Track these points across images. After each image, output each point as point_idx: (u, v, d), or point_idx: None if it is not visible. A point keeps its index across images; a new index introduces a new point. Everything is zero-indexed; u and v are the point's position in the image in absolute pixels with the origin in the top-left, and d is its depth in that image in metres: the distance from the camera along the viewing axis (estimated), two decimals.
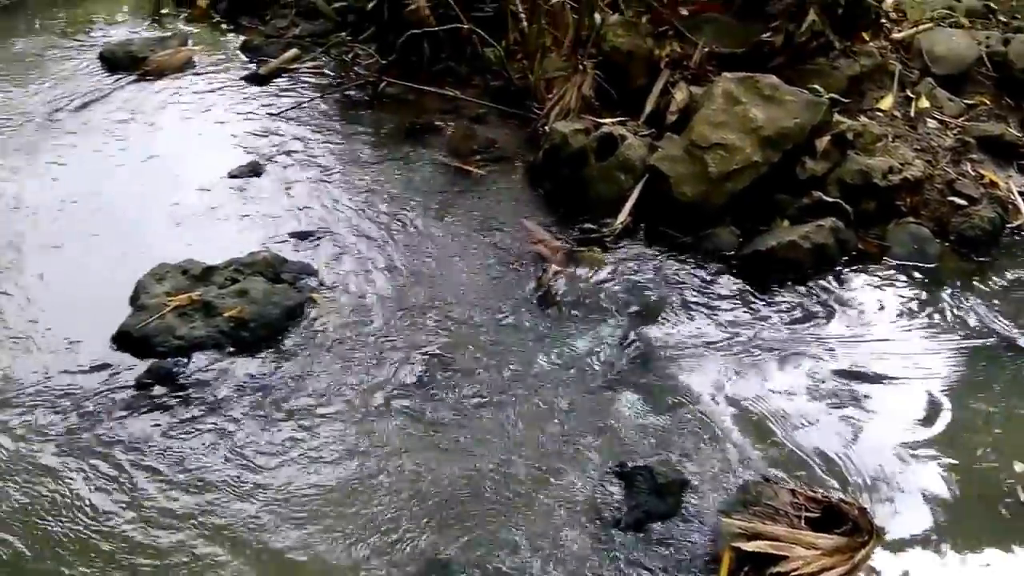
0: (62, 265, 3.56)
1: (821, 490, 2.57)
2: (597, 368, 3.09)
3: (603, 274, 3.55)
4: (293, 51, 5.13)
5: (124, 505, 2.53)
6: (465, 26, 4.60)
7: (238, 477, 2.63)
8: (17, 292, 3.39)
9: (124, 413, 2.86)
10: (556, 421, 2.86)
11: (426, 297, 3.40)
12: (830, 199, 3.77)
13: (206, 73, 4.99)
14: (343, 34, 5.17)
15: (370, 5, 4.89)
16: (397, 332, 3.23)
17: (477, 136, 4.43)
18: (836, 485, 2.65)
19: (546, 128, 4.18)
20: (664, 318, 3.35)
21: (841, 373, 3.11)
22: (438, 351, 3.14)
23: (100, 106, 4.66)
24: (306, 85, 4.90)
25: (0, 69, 5.04)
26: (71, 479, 2.62)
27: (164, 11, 5.72)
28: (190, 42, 5.26)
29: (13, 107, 4.65)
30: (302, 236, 3.74)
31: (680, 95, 4.20)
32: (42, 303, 3.35)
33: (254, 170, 4.15)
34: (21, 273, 3.49)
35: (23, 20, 5.68)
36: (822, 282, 3.56)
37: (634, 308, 3.39)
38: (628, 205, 3.81)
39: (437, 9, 4.69)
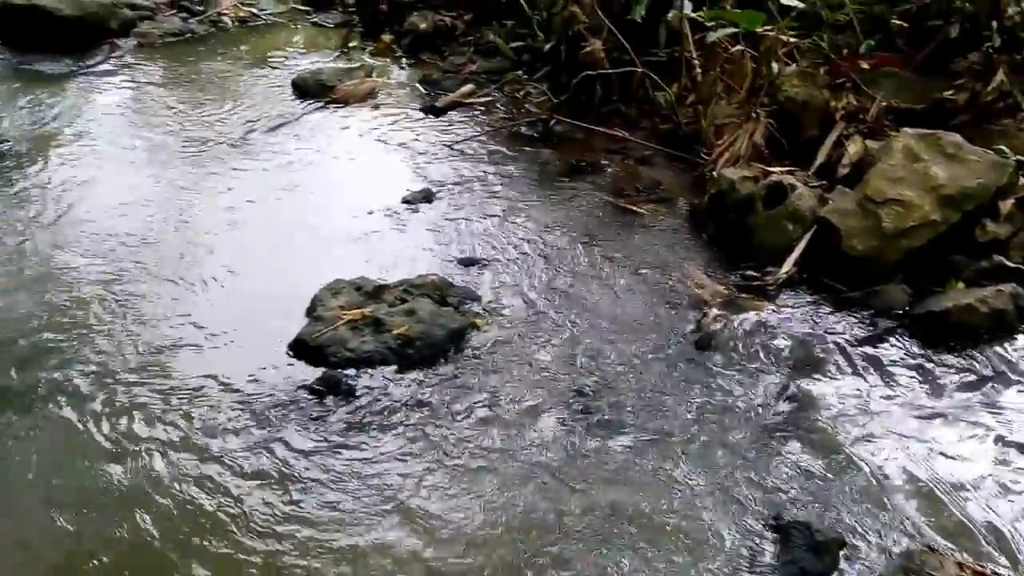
0: (246, 274, 3.80)
1: (990, 566, 2.44)
2: (754, 417, 3.05)
3: (764, 323, 3.50)
4: (469, 86, 5.33)
5: (287, 504, 2.67)
6: (639, 70, 4.66)
7: (395, 486, 2.74)
8: (205, 294, 3.65)
9: (296, 417, 3.03)
10: (710, 467, 2.83)
11: (584, 331, 3.44)
12: (1012, 264, 3.60)
13: (387, 103, 5.24)
14: (518, 72, 5.32)
15: (547, 47, 5.05)
16: (554, 363, 3.27)
17: (642, 177, 4.49)
18: (1006, 562, 2.51)
19: (714, 173, 4.18)
20: (827, 373, 3.27)
21: (1016, 445, 2.94)
22: (592, 386, 3.16)
23: (290, 129, 4.97)
24: (480, 119, 5.07)
25: (201, 92, 5.45)
26: (240, 475, 2.78)
27: (351, 44, 6.04)
28: (374, 74, 5.53)
29: (211, 126, 5.02)
30: (468, 263, 3.86)
31: (854, 148, 4.13)
32: (227, 306, 3.60)
33: (427, 197, 4.32)
34: (209, 277, 3.75)
35: (222, 47, 6.10)
36: (998, 349, 3.38)
37: (795, 360, 3.32)
38: (794, 255, 3.75)
39: (612, 52, 4.78)
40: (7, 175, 4.51)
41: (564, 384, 3.18)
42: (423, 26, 5.96)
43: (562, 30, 4.92)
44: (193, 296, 3.64)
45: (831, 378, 3.24)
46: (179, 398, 3.10)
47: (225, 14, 6.38)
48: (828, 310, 3.59)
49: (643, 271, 3.82)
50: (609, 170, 4.59)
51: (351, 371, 3.21)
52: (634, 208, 4.25)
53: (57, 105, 5.23)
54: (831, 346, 3.40)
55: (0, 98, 5.29)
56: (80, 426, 2.96)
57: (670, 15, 4.62)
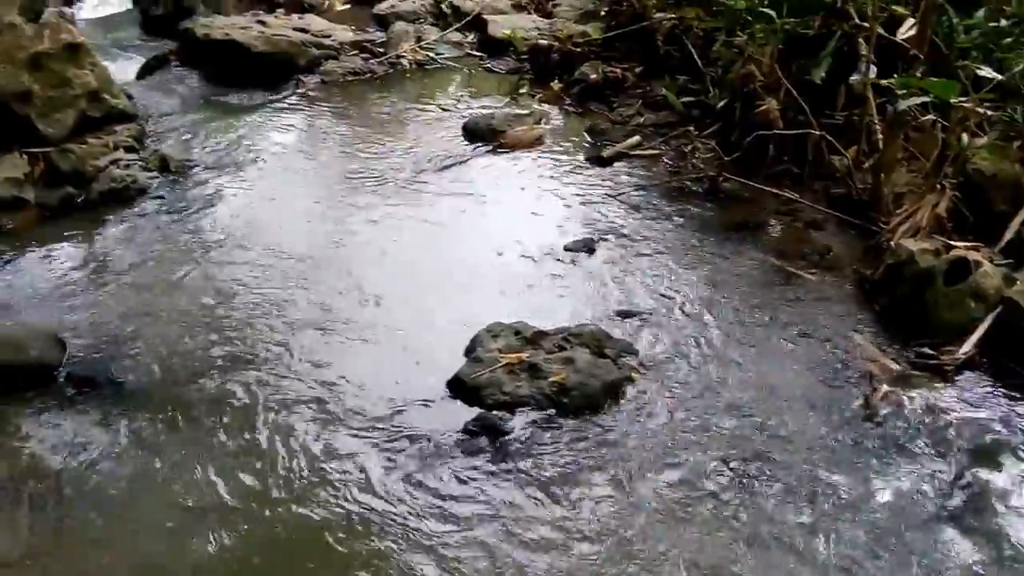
0: (408, 308, 3.92)
1: None
2: (924, 504, 2.89)
3: (939, 404, 3.33)
4: (636, 138, 5.35)
5: (430, 540, 2.72)
6: (815, 132, 4.57)
7: (543, 531, 2.74)
8: (367, 324, 3.79)
9: (449, 454, 3.09)
10: (873, 553, 2.70)
11: (740, 397, 3.36)
12: None
13: (554, 151, 5.32)
14: (687, 127, 5.31)
15: (720, 103, 5.02)
16: (707, 428, 3.21)
17: (811, 240, 4.38)
18: None
19: (890, 243, 4.03)
20: (1006, 463, 3.07)
21: None
22: (746, 457, 3.08)
23: (459, 170, 5.12)
24: (645, 171, 5.08)
25: (377, 128, 5.70)
26: (392, 504, 2.87)
27: (521, 91, 6.19)
28: (543, 121, 5.63)
29: (384, 162, 5.23)
30: (627, 315, 3.85)
31: None
32: (388, 339, 3.72)
33: (588, 246, 4.36)
34: (372, 309, 3.90)
35: (399, 88, 6.37)
36: None
37: (971, 446, 3.13)
38: (975, 336, 3.56)
39: (787, 112, 4.71)
40: (193, 196, 4.84)
41: (717, 450, 3.11)
42: (593, 76, 6.04)
43: (737, 87, 4.89)
44: (355, 325, 3.79)
45: (1010, 469, 3.04)
46: (332, 426, 3.22)
47: (404, 56, 6.66)
48: (1011, 396, 3.38)
49: (807, 339, 3.71)
50: (776, 231, 4.50)
51: (506, 414, 3.25)
52: (801, 272, 4.15)
53: (244, 134, 5.58)
54: (1012, 435, 3.19)
55: (195, 125, 5.69)
56: (234, 445, 3.13)
57: (853, 79, 4.52)
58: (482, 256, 4.30)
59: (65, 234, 4.48)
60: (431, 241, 4.45)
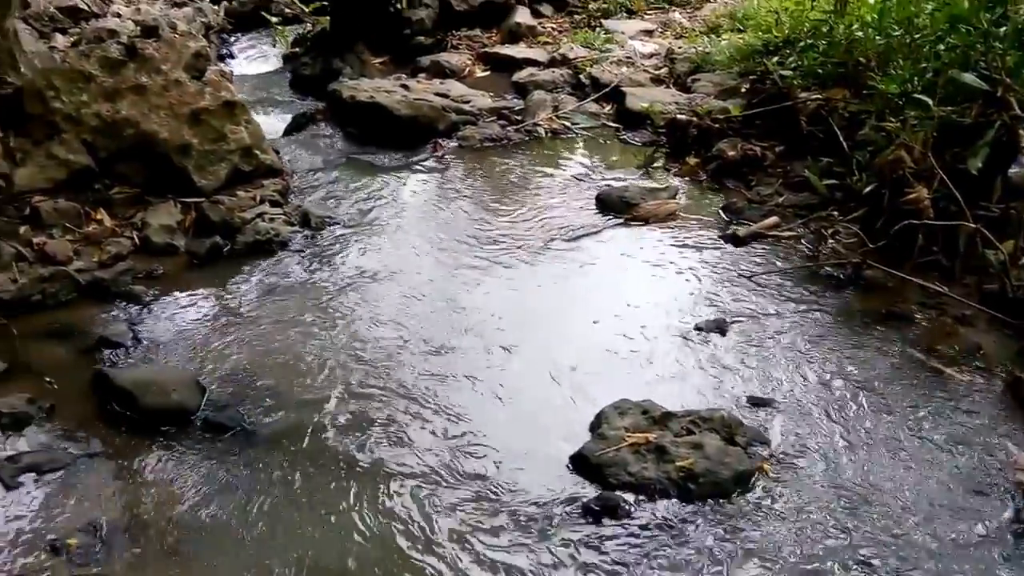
0: (533, 378, 3.95)
1: None
2: None
3: None
4: (773, 218, 5.28)
5: None
6: (969, 224, 4.42)
7: None
8: (492, 391, 3.84)
9: (569, 532, 3.07)
10: None
11: (876, 500, 3.22)
12: None
13: (688, 227, 5.30)
14: (828, 210, 5.22)
15: (866, 189, 4.92)
16: (840, 531, 3.08)
17: (959, 337, 4.19)
18: None
19: None
20: None
21: None
22: (883, 563, 2.94)
23: (590, 241, 5.16)
24: (782, 253, 5.00)
25: (510, 195, 5.81)
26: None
27: (656, 164, 6.21)
28: (678, 196, 5.63)
29: (516, 229, 5.32)
30: (758, 403, 3.77)
31: None
32: (511, 408, 3.76)
33: (719, 327, 4.30)
34: (497, 375, 3.95)
35: (534, 155, 6.48)
36: None
37: None
38: None
39: (938, 201, 4.57)
40: (331, 251, 5.04)
41: (850, 554, 2.98)
42: (731, 153, 6.02)
43: (886, 173, 4.77)
44: (480, 390, 3.84)
45: None
46: (452, 489, 3.27)
47: (540, 125, 6.79)
48: None
49: (953, 443, 3.53)
50: (922, 325, 4.33)
51: (629, 495, 3.21)
52: (947, 370, 3.97)
53: (383, 194, 5.79)
54: None
55: (337, 182, 5.94)
56: (354, 501, 3.21)
57: (1012, 171, 4.36)
58: (610, 329, 4.29)
59: (211, 281, 4.73)
60: (559, 311, 4.49)
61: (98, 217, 5.02)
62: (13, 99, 5.18)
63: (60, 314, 4.40)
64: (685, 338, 4.23)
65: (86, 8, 10.52)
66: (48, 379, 3.88)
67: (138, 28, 7.07)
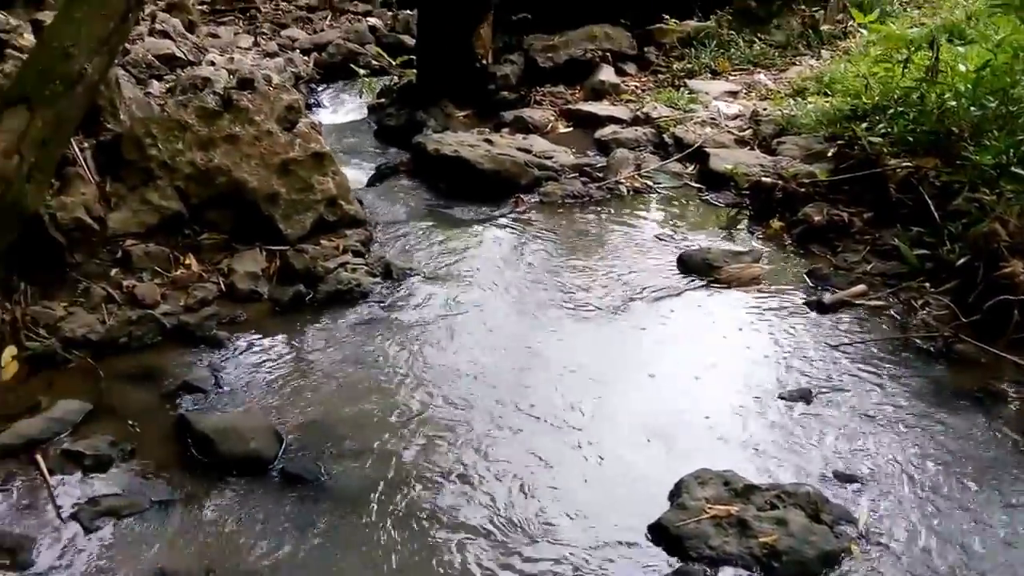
0: (609, 442, 3.90)
1: None
2: None
3: None
4: (861, 287, 5.17)
5: None
6: None
7: None
8: (566, 453, 3.80)
9: None
10: None
11: None
12: None
13: (771, 292, 5.22)
14: (918, 280, 5.09)
15: (959, 261, 4.80)
16: None
17: None
18: None
19: None
20: None
21: None
22: None
23: (671, 302, 5.12)
24: (869, 323, 4.88)
25: (589, 252, 5.80)
26: None
27: (740, 227, 6.16)
28: (762, 260, 5.56)
29: (595, 288, 5.31)
30: (845, 479, 3.66)
31: None
32: (587, 473, 3.71)
33: (804, 397, 4.21)
34: (572, 438, 3.91)
35: (615, 213, 6.48)
36: None
37: None
38: None
39: None
40: (410, 303, 5.10)
41: None
42: (817, 218, 5.93)
43: (980, 246, 4.65)
44: (555, 450, 3.81)
45: None
46: (527, 555, 3.24)
47: (622, 183, 6.81)
48: None
49: None
50: (1017, 405, 4.17)
51: (709, 570, 3.14)
52: None
53: (463, 247, 5.85)
54: None
55: (418, 234, 6.02)
56: (423, 562, 3.20)
57: None
58: (690, 395, 4.24)
59: (292, 329, 4.81)
60: (639, 372, 4.45)
61: (186, 262, 5.17)
62: (112, 145, 5.40)
63: (145, 357, 4.52)
64: (768, 406, 4.15)
65: (182, 56, 10.99)
66: (131, 422, 3.97)
67: (233, 79, 7.35)
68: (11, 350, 4.28)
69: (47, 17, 10.65)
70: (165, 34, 11.03)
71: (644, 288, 5.29)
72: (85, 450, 3.68)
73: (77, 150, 5.20)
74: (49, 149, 4.60)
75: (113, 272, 4.96)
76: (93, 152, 5.35)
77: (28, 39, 9.15)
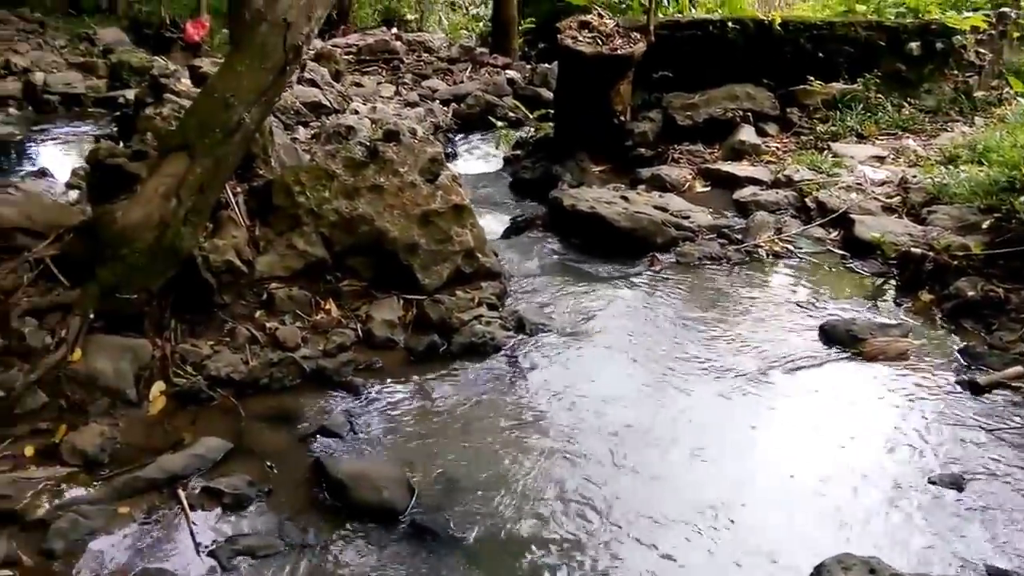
0: (744, 519, 3.80)
1: None
2: None
3: None
4: (1019, 368, 4.92)
5: None
6: None
7: None
8: (700, 529, 3.72)
9: None
10: None
11: None
12: None
13: (920, 368, 5.02)
14: None
15: None
16: None
17: None
18: None
19: None
20: None
21: None
22: None
23: (812, 374, 4.98)
24: None
25: (725, 316, 5.72)
26: None
27: (886, 298, 5.96)
28: (910, 334, 5.36)
29: (731, 354, 5.22)
30: (1000, 574, 3.46)
31: None
32: (723, 548, 3.62)
33: (956, 483, 4.01)
34: (705, 511, 3.82)
35: (753, 277, 6.39)
36: None
37: None
38: None
39: None
40: (543, 359, 5.13)
41: None
42: (970, 293, 5.70)
43: None
44: (688, 525, 3.74)
45: None
46: None
47: (761, 246, 6.71)
48: None
49: None
50: None
51: None
52: None
53: (597, 305, 5.86)
54: None
55: (552, 289, 6.08)
56: None
57: None
58: (831, 473, 4.10)
59: (426, 379, 4.90)
60: (776, 447, 4.34)
61: (327, 307, 5.36)
62: (263, 191, 5.68)
63: (283, 398, 4.68)
64: (916, 491, 3.98)
65: (327, 104, 11.50)
66: (268, 462, 4.11)
67: (379, 130, 7.63)
68: (159, 385, 4.51)
69: (203, 63, 11.38)
70: (313, 82, 11.58)
71: (782, 356, 5.17)
72: (225, 488, 3.83)
73: (231, 195, 5.49)
74: (206, 194, 4.89)
75: (257, 314, 5.18)
76: (245, 197, 5.64)
77: (185, 83, 9.77)
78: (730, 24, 9.78)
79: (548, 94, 12.15)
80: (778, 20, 9.72)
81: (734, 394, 4.78)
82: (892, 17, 10.33)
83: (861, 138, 9.12)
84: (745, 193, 7.80)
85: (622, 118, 8.98)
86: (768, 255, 6.68)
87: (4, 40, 15.43)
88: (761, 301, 5.96)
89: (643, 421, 4.52)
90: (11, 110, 12.78)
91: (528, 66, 14.65)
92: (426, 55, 16.36)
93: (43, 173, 8.57)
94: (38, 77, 13.49)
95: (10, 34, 16.08)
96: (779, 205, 7.52)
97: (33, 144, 11.13)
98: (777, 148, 9.05)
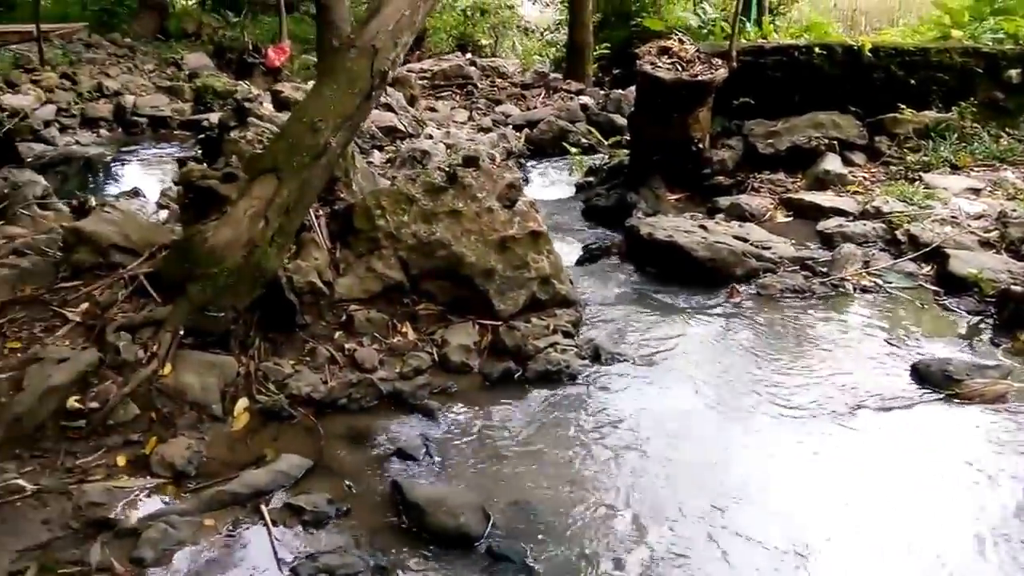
0: (831, 566, 3.72)
1: None
2: None
3: None
4: None
5: None
6: None
7: None
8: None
9: None
10: None
11: None
12: None
13: (1021, 412, 4.89)
14: None
15: None
16: None
17: None
18: None
19: None
20: None
21: None
22: None
23: (903, 415, 4.88)
24: None
25: (809, 352, 5.66)
26: None
27: (981, 337, 5.83)
28: (1010, 377, 5.23)
29: (816, 391, 5.15)
30: None
31: None
32: None
33: None
34: (789, 558, 3.76)
35: (839, 312, 6.31)
36: None
37: None
38: None
39: None
40: (617, 389, 5.16)
41: None
42: None
43: None
44: (771, 571, 3.69)
45: None
46: None
47: (848, 280, 6.64)
48: None
49: None
50: None
51: None
52: None
53: (674, 335, 5.86)
54: None
55: (628, 318, 6.10)
56: None
57: None
58: (923, 522, 3.99)
59: (500, 405, 4.95)
60: (864, 494, 4.19)
61: (403, 330, 5.46)
62: (344, 214, 5.83)
63: (361, 419, 4.79)
64: (1018, 546, 3.84)
65: (403, 129, 11.73)
66: (347, 482, 4.20)
67: (458, 155, 7.77)
68: (243, 402, 4.66)
69: (284, 88, 11.71)
70: (389, 107, 11.84)
71: (870, 396, 5.09)
72: (305, 505, 3.93)
73: (314, 217, 5.64)
74: (292, 216, 5.04)
75: (337, 335, 5.31)
76: (327, 219, 5.78)
77: (268, 108, 10.07)
78: (817, 50, 9.72)
79: (621, 120, 12.21)
80: (868, 46, 9.62)
81: (816, 432, 4.71)
82: (989, 43, 10.14)
83: (955, 169, 8.93)
84: (830, 224, 7.71)
85: (700, 145, 8.97)
86: (855, 289, 6.59)
87: (97, 64, 16.14)
88: (848, 337, 5.88)
89: (720, 458, 4.47)
90: (102, 131, 13.44)
91: (602, 92, 14.73)
92: (500, 80, 16.59)
93: (136, 193, 8.94)
94: (128, 100, 14.13)
95: (103, 58, 16.83)
96: (867, 237, 7.42)
97: (123, 164, 11.60)
98: (864, 178, 8.94)
